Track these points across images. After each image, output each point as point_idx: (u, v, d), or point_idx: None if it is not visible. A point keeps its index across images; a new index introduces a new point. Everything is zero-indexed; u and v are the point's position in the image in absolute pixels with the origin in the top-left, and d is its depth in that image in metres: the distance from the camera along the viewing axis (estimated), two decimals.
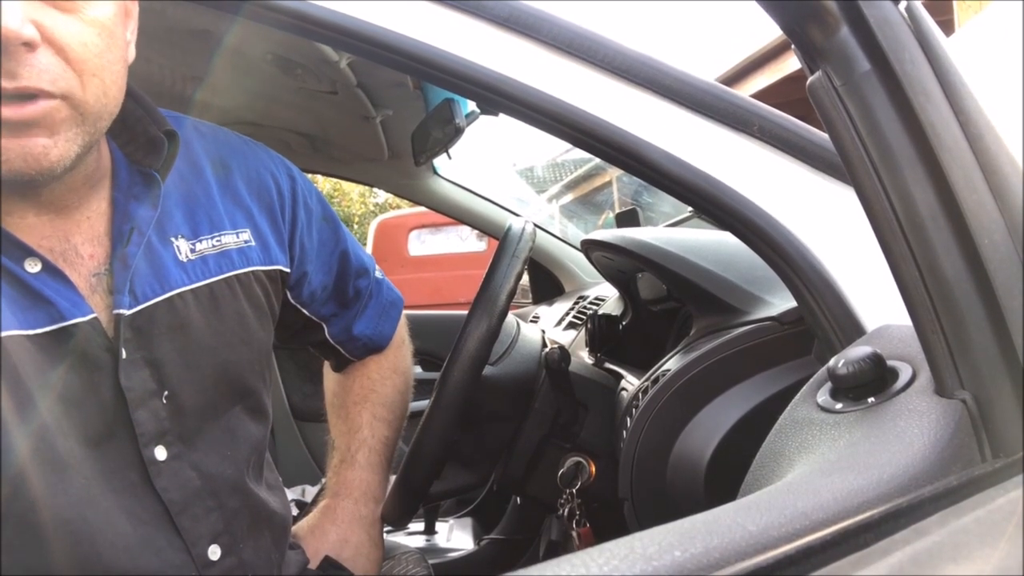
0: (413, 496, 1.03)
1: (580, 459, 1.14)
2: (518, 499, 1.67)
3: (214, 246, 0.83)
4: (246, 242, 0.86)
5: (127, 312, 0.74)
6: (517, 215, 2.18)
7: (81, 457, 0.72)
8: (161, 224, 0.79)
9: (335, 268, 1.01)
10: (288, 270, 0.92)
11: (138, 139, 0.78)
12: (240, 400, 0.85)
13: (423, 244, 6.39)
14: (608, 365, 1.31)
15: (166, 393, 0.77)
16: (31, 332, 0.69)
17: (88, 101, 0.66)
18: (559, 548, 1.24)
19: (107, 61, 0.68)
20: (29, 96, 0.62)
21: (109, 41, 0.68)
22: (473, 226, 2.70)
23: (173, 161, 0.79)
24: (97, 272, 0.75)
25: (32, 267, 0.70)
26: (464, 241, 6.30)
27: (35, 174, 0.64)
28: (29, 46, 0.61)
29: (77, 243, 0.75)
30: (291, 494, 1.52)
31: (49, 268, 0.71)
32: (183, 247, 0.80)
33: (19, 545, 0.69)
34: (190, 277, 0.80)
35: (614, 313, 1.50)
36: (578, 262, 2.45)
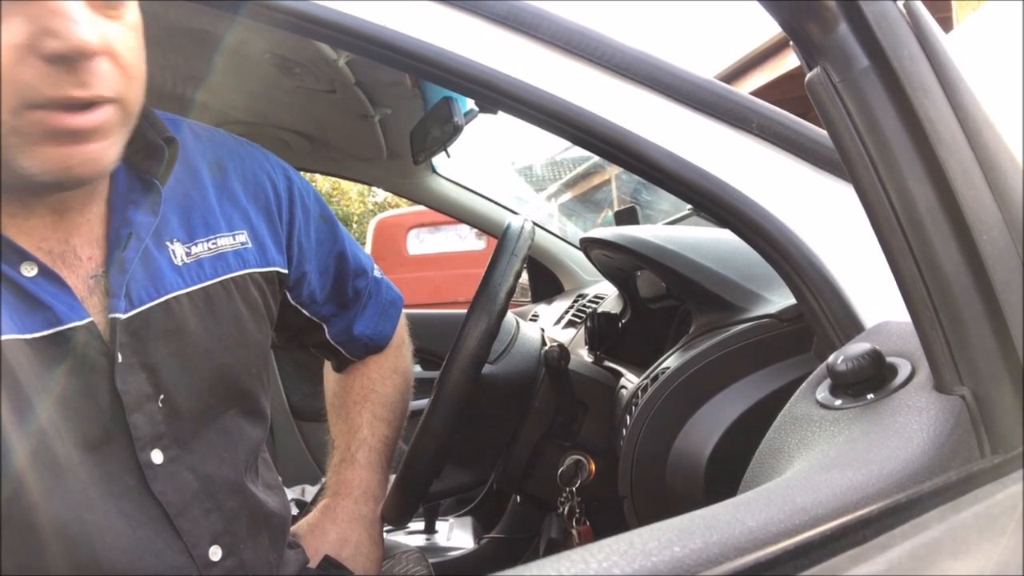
0: (413, 495, 1.03)
1: (580, 457, 1.14)
2: (518, 498, 1.67)
3: (210, 249, 0.83)
4: (243, 244, 0.86)
5: (123, 316, 0.74)
6: (516, 213, 2.18)
7: (78, 461, 0.71)
8: (157, 228, 0.79)
9: (333, 268, 1.01)
10: (286, 271, 0.92)
11: (137, 144, 0.78)
12: (237, 403, 0.85)
13: (422, 243, 6.39)
14: (607, 363, 1.31)
15: (162, 397, 0.77)
16: (28, 336, 0.69)
17: (132, 103, 0.69)
18: (559, 546, 1.24)
19: (142, 63, 0.71)
20: (90, 104, 0.64)
21: (141, 44, 0.71)
22: (472, 225, 2.70)
23: (172, 168, 0.79)
24: (95, 274, 0.75)
25: (28, 271, 0.70)
26: (463, 240, 6.30)
27: (92, 176, 0.68)
28: (95, 56, 0.64)
29: (76, 245, 0.74)
30: (291, 493, 1.52)
31: (45, 272, 0.71)
32: (178, 251, 0.80)
33: (18, 549, 0.69)
34: (185, 281, 0.80)
35: (613, 311, 1.50)
36: (577, 260, 2.45)
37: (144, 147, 0.78)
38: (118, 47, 0.66)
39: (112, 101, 0.66)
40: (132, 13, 0.69)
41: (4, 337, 0.67)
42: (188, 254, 0.81)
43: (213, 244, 0.83)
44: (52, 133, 0.63)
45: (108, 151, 0.67)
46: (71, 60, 0.61)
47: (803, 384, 0.60)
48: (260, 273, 0.88)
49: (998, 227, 0.49)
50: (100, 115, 0.65)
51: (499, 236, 1.08)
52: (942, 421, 0.48)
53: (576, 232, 2.60)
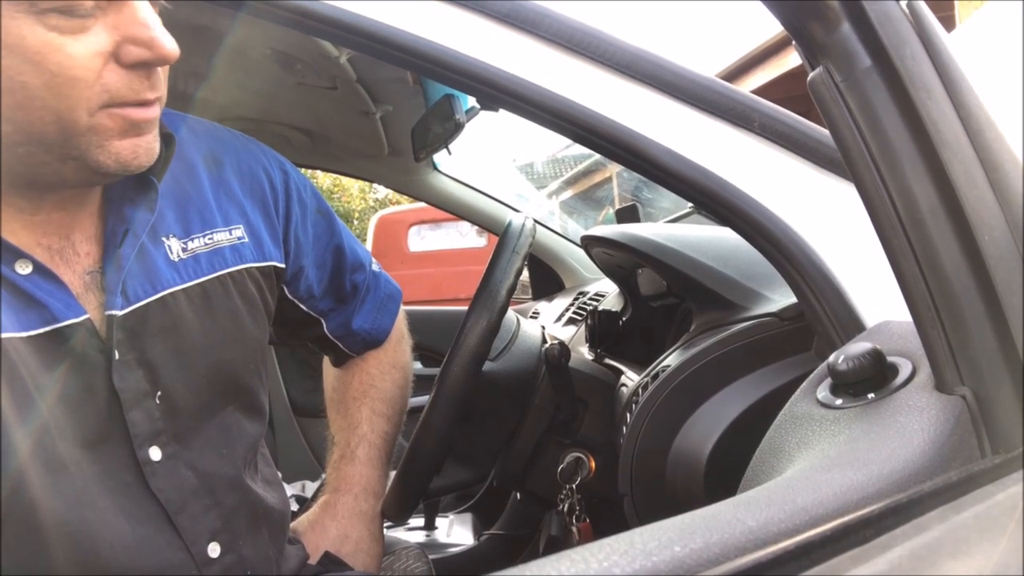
0: (413, 492, 1.03)
1: (580, 455, 1.14)
2: (518, 495, 1.67)
3: (206, 244, 0.82)
4: (239, 239, 0.85)
5: (119, 313, 0.74)
6: (517, 211, 2.18)
7: (77, 459, 0.71)
8: (153, 224, 0.78)
9: (330, 262, 1.01)
10: (283, 266, 0.92)
11: None
12: (235, 399, 0.85)
13: (423, 240, 6.39)
14: (608, 361, 1.31)
15: (159, 393, 0.76)
16: (25, 334, 0.69)
17: (164, 98, 0.73)
18: (559, 544, 1.24)
19: None
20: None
21: None
22: (473, 222, 2.70)
23: (168, 164, 0.79)
24: (91, 271, 0.75)
25: (23, 269, 0.70)
26: (464, 237, 6.30)
27: (149, 164, 0.72)
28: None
29: (76, 240, 0.74)
30: (291, 490, 1.53)
31: (40, 269, 0.70)
32: (175, 246, 0.80)
33: (18, 547, 0.69)
34: (182, 276, 0.80)
35: (614, 309, 1.50)
36: (578, 258, 2.45)
37: None
38: None
39: (162, 98, 0.71)
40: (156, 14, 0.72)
41: (1, 335, 0.67)
42: (184, 250, 0.81)
43: (209, 239, 0.83)
44: (124, 128, 0.67)
45: (156, 141, 0.72)
46: (151, 66, 0.67)
47: (804, 383, 0.60)
48: (257, 268, 0.87)
49: (1000, 227, 0.49)
50: (157, 109, 0.71)
51: (500, 233, 1.08)
52: (943, 421, 0.48)
53: (577, 230, 2.60)
